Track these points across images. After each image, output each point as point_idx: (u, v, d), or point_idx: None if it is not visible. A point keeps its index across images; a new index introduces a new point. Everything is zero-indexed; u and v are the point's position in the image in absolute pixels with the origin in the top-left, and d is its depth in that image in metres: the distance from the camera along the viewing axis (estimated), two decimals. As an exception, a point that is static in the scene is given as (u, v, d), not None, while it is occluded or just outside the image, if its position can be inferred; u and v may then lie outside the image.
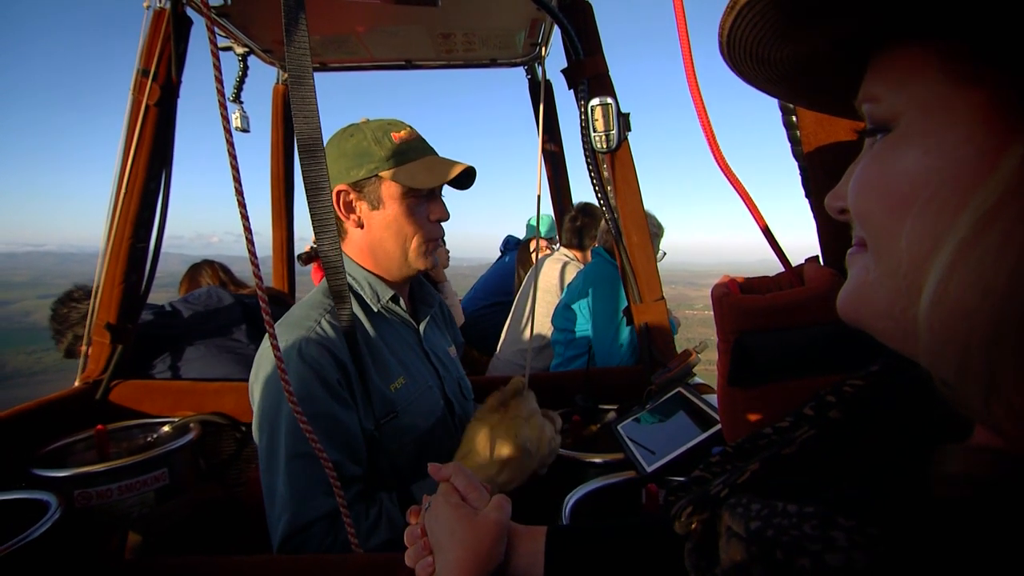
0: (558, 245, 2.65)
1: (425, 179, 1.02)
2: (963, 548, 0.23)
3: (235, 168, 0.78)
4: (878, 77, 0.34)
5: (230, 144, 0.79)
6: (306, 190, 0.79)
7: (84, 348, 1.57)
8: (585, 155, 1.46)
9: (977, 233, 0.26)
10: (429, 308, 1.20)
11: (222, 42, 1.85)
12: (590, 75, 1.41)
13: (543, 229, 3.02)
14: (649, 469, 1.00)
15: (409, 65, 2.10)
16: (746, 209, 0.64)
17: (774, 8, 0.33)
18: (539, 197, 1.28)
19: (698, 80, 0.61)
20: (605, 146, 1.41)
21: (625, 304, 1.57)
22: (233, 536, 1.49)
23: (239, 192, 0.77)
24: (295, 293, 2.59)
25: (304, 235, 2.66)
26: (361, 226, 1.05)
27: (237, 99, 2.06)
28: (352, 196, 1.04)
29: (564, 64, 1.47)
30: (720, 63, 0.42)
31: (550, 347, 2.31)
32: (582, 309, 2.08)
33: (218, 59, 0.79)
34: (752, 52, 0.39)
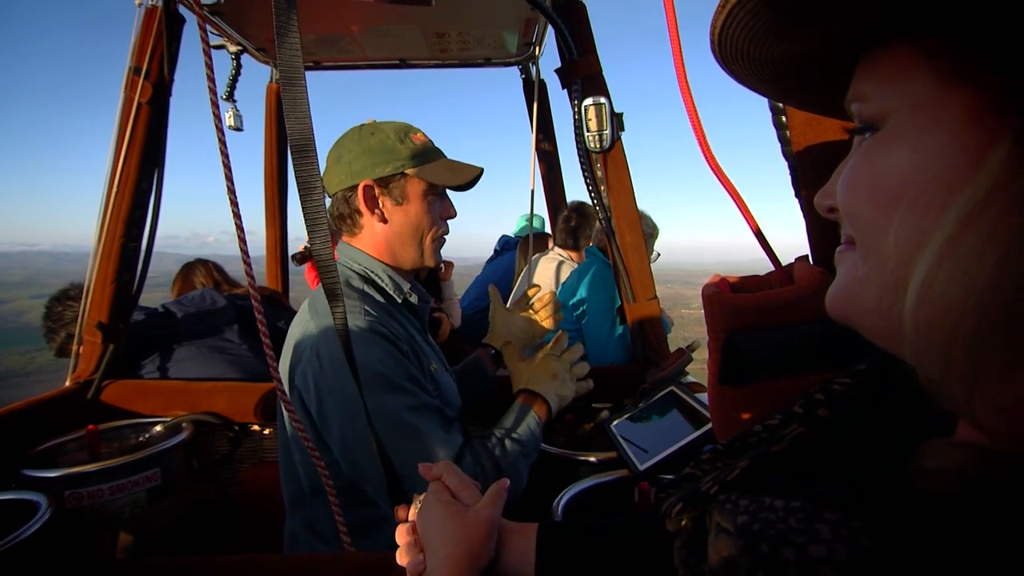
0: (552, 245, 2.65)
1: (448, 178, 1.07)
2: (944, 540, 0.24)
3: (227, 167, 0.78)
4: (867, 76, 0.34)
5: (222, 143, 0.79)
6: (298, 190, 0.79)
7: (76, 348, 1.56)
8: (579, 155, 1.46)
9: (963, 230, 0.26)
10: (426, 304, 1.22)
11: (215, 40, 1.84)
12: (583, 75, 1.41)
13: (535, 228, 3.02)
14: (642, 467, 1.01)
15: (403, 64, 2.10)
16: (737, 209, 0.64)
17: (766, 7, 0.34)
18: (532, 194, 1.28)
19: (688, 81, 0.61)
20: (598, 146, 1.41)
21: (618, 303, 1.58)
22: (226, 536, 1.48)
23: (231, 191, 0.77)
24: (289, 292, 2.58)
25: (298, 235, 2.66)
26: (384, 220, 1.09)
27: (230, 98, 2.05)
28: (377, 191, 1.07)
29: (558, 64, 1.48)
30: (712, 62, 0.42)
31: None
32: (576, 308, 2.08)
33: (210, 57, 0.79)
34: (743, 51, 0.39)
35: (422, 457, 0.91)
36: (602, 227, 1.50)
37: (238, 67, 2.00)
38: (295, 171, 0.76)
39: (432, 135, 1.13)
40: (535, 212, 2.89)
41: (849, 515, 0.26)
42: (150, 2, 1.42)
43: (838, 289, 0.36)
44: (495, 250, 3.16)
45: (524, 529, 0.61)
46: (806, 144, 0.65)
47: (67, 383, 1.54)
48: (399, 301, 1.10)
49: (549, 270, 2.45)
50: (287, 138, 0.74)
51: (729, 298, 0.60)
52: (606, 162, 1.44)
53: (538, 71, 2.13)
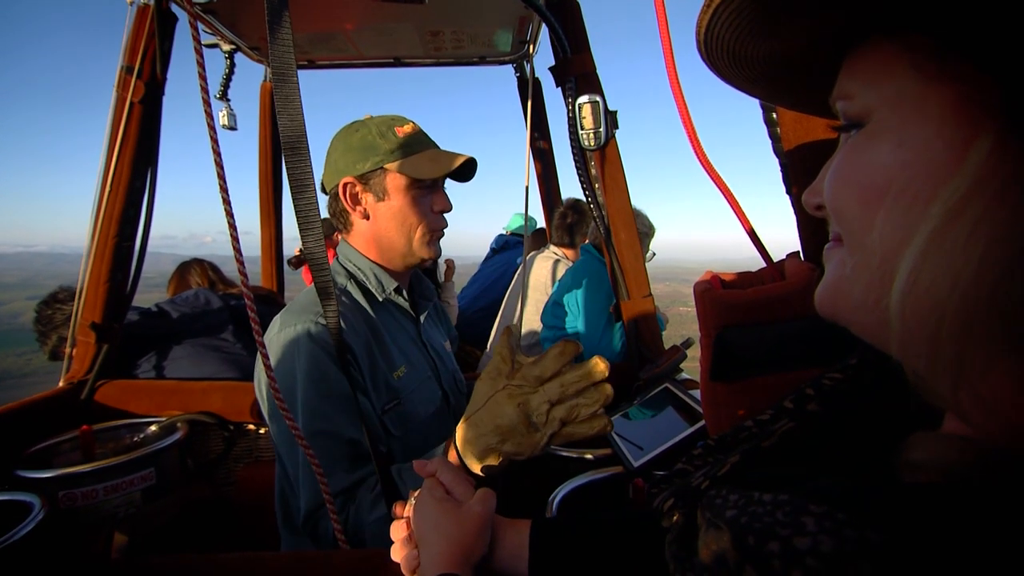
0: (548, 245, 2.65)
1: (428, 170, 1.05)
2: (927, 532, 0.24)
3: (220, 166, 0.78)
4: (851, 75, 0.34)
5: (214, 142, 0.79)
6: (291, 187, 0.79)
7: (68, 350, 1.55)
8: (573, 153, 1.46)
9: (947, 224, 0.27)
10: (428, 302, 1.23)
11: (208, 39, 1.83)
12: (577, 73, 1.42)
13: (530, 227, 3.02)
14: (636, 464, 1.01)
15: (397, 63, 2.09)
16: (727, 204, 0.64)
17: (750, 5, 0.34)
18: (527, 192, 1.28)
19: (680, 81, 0.61)
20: (593, 143, 1.41)
21: (613, 301, 1.58)
22: (221, 535, 1.48)
23: (224, 190, 0.77)
24: (284, 292, 2.58)
25: (294, 234, 2.65)
26: (367, 217, 1.08)
27: (224, 97, 2.05)
28: (358, 188, 1.07)
29: (552, 62, 1.48)
30: (701, 60, 0.43)
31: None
32: (571, 306, 2.08)
33: (202, 56, 0.78)
34: (729, 50, 0.39)
35: (303, 482, 0.91)
36: (597, 225, 1.50)
37: (232, 66, 1.99)
38: (287, 169, 0.76)
39: (430, 134, 1.13)
40: (530, 215, 2.90)
41: (834, 508, 0.26)
42: (142, 0, 1.42)
43: (826, 286, 0.37)
44: (492, 249, 3.16)
45: (518, 525, 0.61)
46: (796, 142, 0.65)
47: (61, 383, 1.53)
48: (380, 300, 1.08)
49: (544, 268, 2.46)
50: (280, 137, 0.74)
51: (721, 294, 0.60)
52: (600, 160, 1.44)
53: (532, 69, 2.13)
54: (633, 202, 1.52)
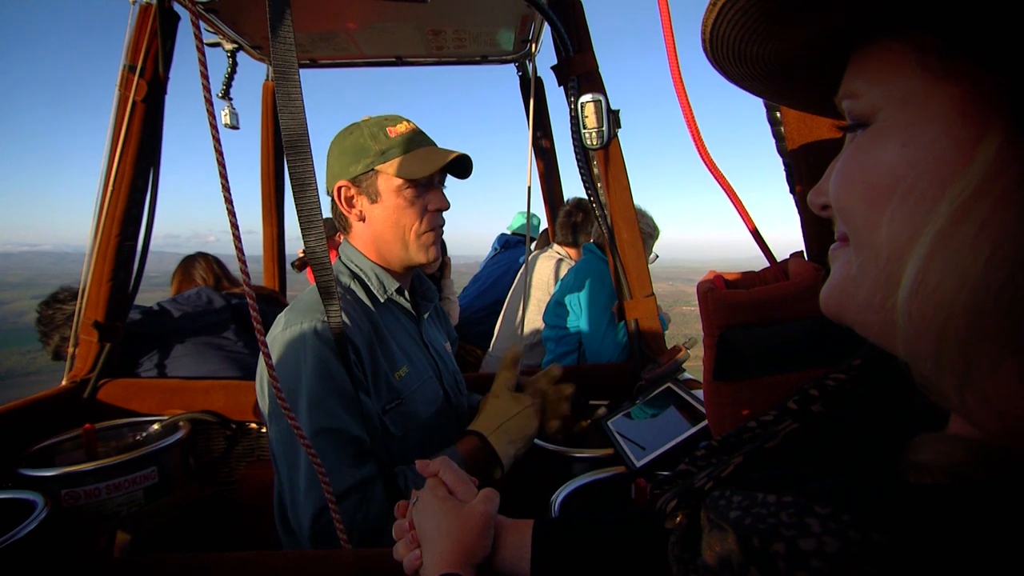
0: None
1: (417, 169, 1.04)
2: (932, 533, 0.24)
3: (221, 164, 0.78)
4: (858, 73, 0.34)
5: (216, 141, 0.78)
6: (292, 186, 0.79)
7: (71, 349, 1.55)
8: (575, 152, 1.46)
9: (954, 223, 0.27)
10: (429, 303, 1.23)
11: (210, 38, 1.83)
12: (580, 72, 1.41)
13: (532, 226, 3.02)
14: (639, 464, 1.01)
15: (399, 62, 2.09)
16: (731, 204, 0.64)
17: (757, 4, 0.34)
18: (529, 191, 1.28)
19: (683, 80, 0.61)
20: (595, 143, 1.41)
21: (616, 300, 1.58)
22: (224, 534, 1.48)
23: (226, 188, 0.77)
24: (286, 291, 2.58)
25: (297, 233, 2.65)
26: (363, 219, 1.09)
27: (226, 96, 2.05)
28: (352, 191, 1.07)
29: (554, 61, 1.47)
30: (706, 60, 0.42)
31: (542, 344, 2.31)
32: (573, 305, 2.08)
33: (203, 55, 0.78)
34: (734, 49, 0.39)
35: (308, 481, 0.90)
36: (599, 224, 1.50)
37: (234, 65, 1.99)
38: (289, 167, 0.76)
39: (431, 134, 1.12)
40: (532, 210, 2.89)
41: (838, 509, 0.26)
42: (144, 0, 1.42)
43: (831, 286, 0.36)
44: (494, 248, 3.16)
45: (520, 525, 0.61)
46: (800, 141, 0.65)
47: (63, 382, 1.53)
48: (382, 301, 1.09)
49: (547, 268, 2.45)
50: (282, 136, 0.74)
51: (724, 294, 0.60)
52: (603, 159, 1.44)
53: (534, 68, 2.12)
54: (636, 202, 1.52)
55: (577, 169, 1.48)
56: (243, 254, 0.83)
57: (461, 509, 0.62)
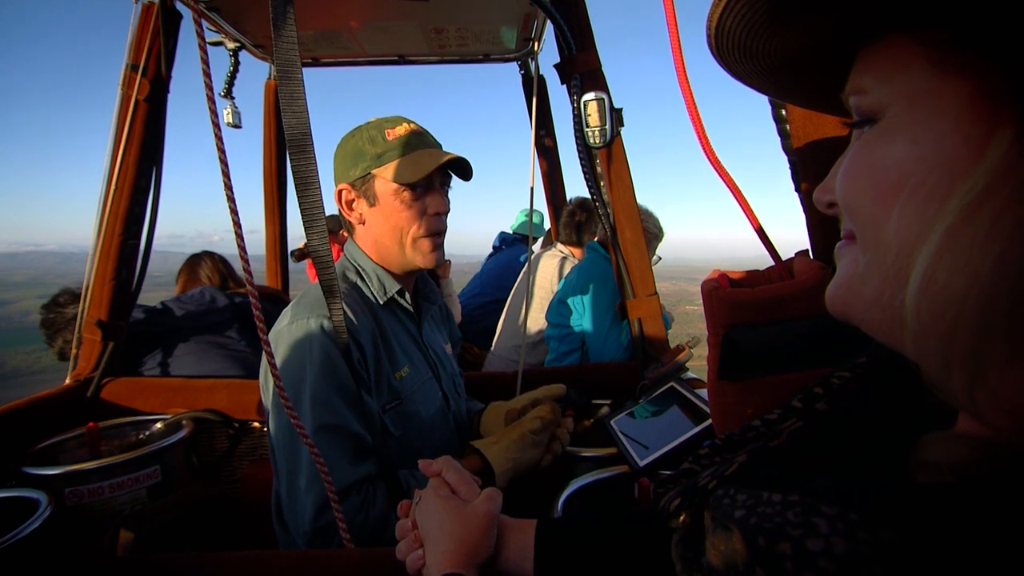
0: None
1: (410, 173, 1.04)
2: (941, 533, 0.24)
3: (224, 163, 0.78)
4: (866, 70, 0.34)
5: (219, 139, 0.78)
6: (295, 185, 0.79)
7: (74, 350, 1.56)
8: (578, 150, 1.46)
9: (964, 220, 0.26)
10: (431, 305, 1.23)
11: (213, 37, 1.84)
12: (583, 70, 1.41)
13: (535, 225, 3.02)
14: (642, 463, 1.01)
15: (402, 60, 2.09)
16: (736, 202, 0.64)
17: (762, 0, 0.33)
18: (532, 190, 1.28)
19: (689, 78, 0.61)
20: (598, 141, 1.41)
21: (619, 299, 1.57)
22: (227, 533, 1.49)
23: (228, 187, 0.77)
24: (289, 289, 2.58)
25: (299, 233, 2.65)
26: (363, 222, 1.09)
27: (229, 95, 2.05)
28: (352, 195, 1.08)
29: (557, 59, 1.47)
30: (711, 58, 0.42)
31: (545, 343, 2.31)
32: (576, 304, 2.08)
33: (206, 53, 0.78)
34: (740, 45, 0.39)
35: (309, 477, 0.90)
36: (602, 223, 1.50)
37: (236, 64, 1.99)
38: (292, 166, 0.75)
39: (434, 133, 1.12)
40: (535, 208, 2.89)
41: (846, 509, 0.26)
42: (147, -2, 1.42)
43: (838, 284, 0.36)
44: (494, 246, 3.16)
45: (523, 525, 0.61)
46: (806, 139, 0.64)
47: (67, 381, 1.54)
48: (381, 302, 1.09)
49: (551, 267, 2.45)
50: (285, 134, 0.74)
51: (728, 293, 0.60)
52: (605, 157, 1.44)
53: (537, 67, 2.12)
54: (640, 202, 1.52)
55: (580, 168, 1.48)
56: (245, 253, 0.83)
57: (464, 509, 0.61)
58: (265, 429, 1.58)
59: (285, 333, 0.97)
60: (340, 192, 1.09)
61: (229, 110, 2.05)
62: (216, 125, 0.79)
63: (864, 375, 0.43)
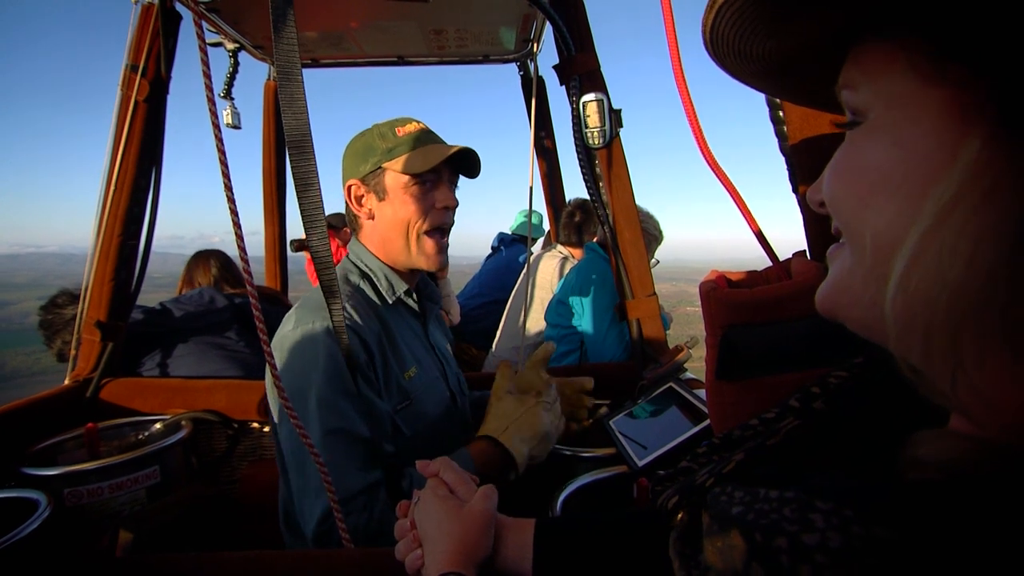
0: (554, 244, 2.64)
1: (420, 164, 1.05)
2: (933, 527, 0.24)
3: (224, 164, 0.78)
4: (855, 65, 0.35)
5: (219, 140, 0.79)
6: (295, 186, 0.79)
7: (73, 351, 1.56)
8: (577, 151, 1.46)
9: (937, 224, 0.27)
10: (435, 304, 1.24)
11: (212, 38, 1.84)
12: (581, 71, 1.41)
13: (534, 225, 3.02)
14: (640, 463, 1.01)
15: (401, 61, 2.09)
16: (734, 204, 0.64)
17: (752, 5, 0.34)
18: (531, 191, 1.28)
19: (686, 79, 0.61)
20: (597, 142, 1.41)
21: (618, 300, 1.58)
22: (226, 534, 1.49)
23: (228, 188, 0.77)
24: (288, 291, 2.58)
25: (298, 234, 2.65)
26: (372, 217, 1.10)
27: (228, 95, 2.05)
28: (362, 190, 1.10)
29: (556, 60, 1.47)
30: (709, 58, 0.42)
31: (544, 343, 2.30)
32: (575, 304, 2.08)
33: (206, 54, 0.78)
34: (735, 48, 0.39)
35: (316, 483, 0.89)
36: (601, 224, 1.50)
37: (236, 65, 2.00)
38: (292, 167, 0.75)
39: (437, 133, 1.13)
40: (533, 209, 2.89)
41: (841, 504, 0.26)
42: (147, -1, 1.42)
43: (826, 284, 0.37)
44: (492, 247, 3.16)
45: (522, 524, 0.61)
46: (803, 139, 0.65)
47: (66, 381, 1.54)
48: (390, 302, 1.09)
49: (551, 268, 2.45)
50: (284, 135, 0.74)
51: (726, 293, 0.60)
52: (604, 158, 1.44)
53: (536, 68, 2.12)
54: (640, 203, 1.52)
55: (579, 169, 1.48)
56: (245, 253, 0.83)
57: (461, 508, 0.62)
58: (266, 430, 1.58)
59: (290, 337, 0.97)
60: (350, 188, 1.10)
61: (229, 111, 2.05)
62: (216, 126, 0.79)
63: (861, 375, 0.43)
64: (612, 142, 1.43)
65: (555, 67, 1.47)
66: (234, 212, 0.78)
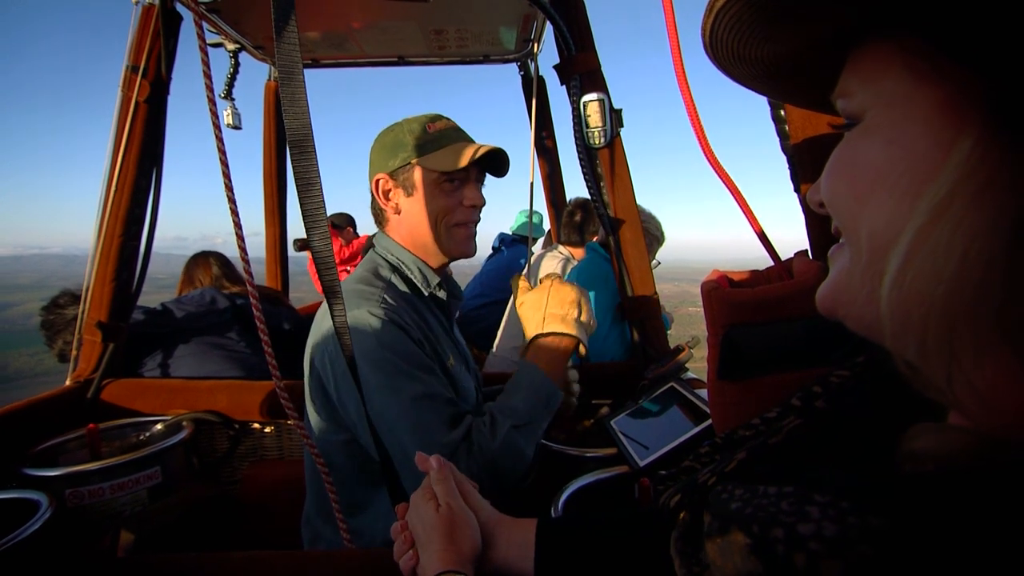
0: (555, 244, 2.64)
1: (449, 162, 1.06)
2: (928, 518, 0.24)
3: (224, 164, 0.78)
4: (852, 73, 0.35)
5: (219, 140, 0.79)
6: (297, 186, 0.79)
7: (74, 351, 1.56)
8: (578, 151, 1.46)
9: (932, 222, 0.27)
10: (458, 300, 1.25)
11: (213, 38, 1.84)
12: (582, 71, 1.41)
13: (535, 225, 3.02)
14: (642, 463, 1.01)
15: (401, 61, 2.09)
16: (735, 203, 0.64)
17: (749, 10, 0.34)
18: (531, 191, 1.28)
19: (688, 79, 0.61)
20: (598, 142, 1.41)
21: (619, 300, 1.57)
22: (227, 534, 1.49)
23: (228, 188, 0.77)
24: (289, 292, 2.58)
25: (299, 234, 2.65)
26: (399, 212, 1.11)
27: (229, 96, 2.05)
28: (390, 184, 1.11)
29: (557, 60, 1.47)
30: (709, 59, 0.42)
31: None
32: (576, 305, 2.07)
33: (206, 55, 0.79)
34: (734, 52, 0.39)
35: (418, 447, 0.89)
36: (602, 224, 1.50)
37: (236, 65, 2.00)
38: (293, 167, 0.75)
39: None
40: (534, 209, 2.89)
41: (837, 497, 0.27)
42: (147, 0, 1.42)
43: (826, 284, 0.37)
44: (493, 247, 3.16)
45: (523, 523, 0.61)
46: (804, 139, 0.65)
47: (67, 382, 1.54)
48: (425, 294, 1.11)
49: (551, 268, 2.45)
50: (285, 136, 0.74)
51: (728, 293, 0.60)
52: (605, 158, 1.44)
53: (536, 67, 2.13)
54: (642, 203, 1.52)
55: (580, 168, 1.48)
56: (246, 254, 0.83)
57: (451, 509, 0.63)
58: (267, 430, 1.58)
59: (354, 318, 0.97)
60: (377, 181, 1.10)
61: (229, 111, 2.05)
62: (216, 126, 0.79)
63: (863, 374, 0.43)
64: (613, 142, 1.43)
65: (556, 67, 1.47)
66: (235, 212, 0.78)
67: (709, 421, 1.00)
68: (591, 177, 1.46)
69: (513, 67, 2.24)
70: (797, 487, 0.29)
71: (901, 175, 0.30)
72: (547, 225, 2.93)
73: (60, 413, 1.44)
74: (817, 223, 0.66)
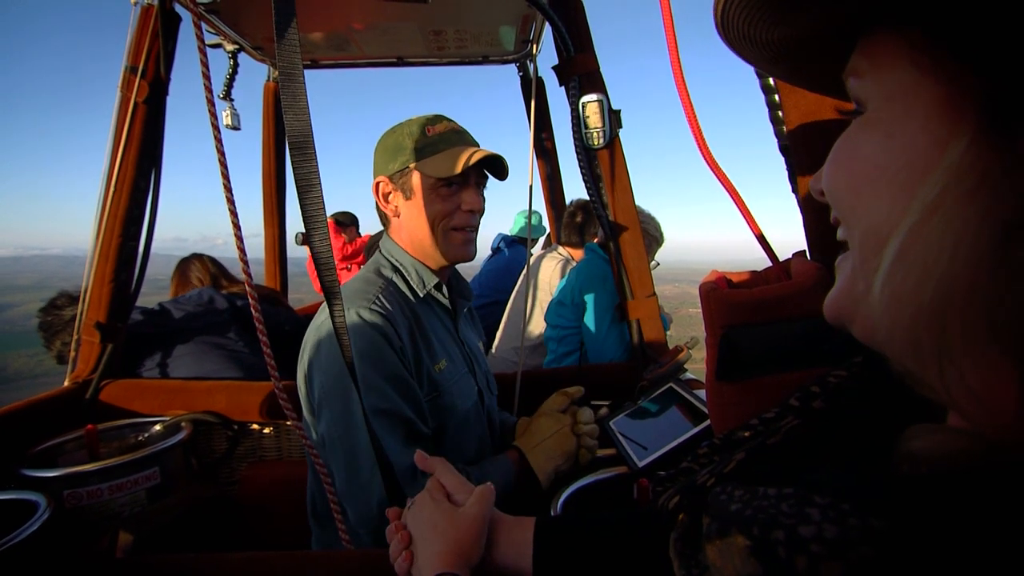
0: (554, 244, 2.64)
1: (446, 168, 1.07)
2: (928, 518, 0.24)
3: (223, 165, 0.78)
4: (863, 54, 0.35)
5: (218, 141, 0.79)
6: (297, 187, 0.79)
7: (72, 352, 1.56)
8: (577, 152, 1.46)
9: (924, 219, 0.27)
10: (466, 301, 1.25)
11: (212, 39, 1.84)
12: (581, 72, 1.41)
13: (534, 225, 3.02)
14: (641, 464, 1.01)
15: (400, 62, 2.10)
16: (734, 204, 0.64)
17: None
18: (531, 192, 1.28)
19: (685, 80, 0.61)
20: (597, 143, 1.41)
21: (618, 300, 1.58)
22: (225, 535, 1.49)
23: (227, 188, 0.77)
24: (288, 292, 2.58)
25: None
26: (399, 215, 1.12)
27: (228, 96, 2.05)
28: (389, 187, 1.11)
29: (556, 61, 1.47)
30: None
31: (544, 344, 2.30)
32: (575, 305, 2.08)
33: (205, 56, 0.79)
34: (745, 35, 0.39)
35: (369, 464, 0.90)
36: (601, 224, 1.50)
37: (235, 66, 2.00)
38: (293, 168, 0.75)
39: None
40: (533, 210, 2.89)
41: (838, 498, 0.26)
42: (146, 1, 1.42)
43: (833, 292, 0.37)
44: (493, 248, 3.16)
45: (522, 523, 0.61)
46: (803, 140, 0.65)
47: (66, 383, 1.54)
48: (421, 295, 1.11)
49: (551, 269, 2.45)
50: (284, 136, 0.74)
51: (726, 294, 0.60)
52: (604, 159, 1.44)
53: (535, 68, 2.13)
54: (641, 205, 1.52)
55: (579, 169, 1.48)
56: (245, 254, 0.83)
57: (456, 511, 0.62)
58: (266, 431, 1.58)
59: (324, 326, 0.98)
60: (378, 184, 1.11)
61: (228, 112, 2.05)
62: (215, 127, 0.79)
63: (861, 374, 0.43)
64: (612, 142, 1.43)
65: (555, 68, 1.47)
66: (233, 213, 0.79)
67: (708, 422, 1.00)
68: (590, 178, 1.46)
69: (512, 68, 2.25)
70: (797, 488, 0.28)
71: (899, 170, 0.30)
72: (546, 225, 2.93)
73: (58, 414, 1.44)
74: (816, 224, 0.66)
